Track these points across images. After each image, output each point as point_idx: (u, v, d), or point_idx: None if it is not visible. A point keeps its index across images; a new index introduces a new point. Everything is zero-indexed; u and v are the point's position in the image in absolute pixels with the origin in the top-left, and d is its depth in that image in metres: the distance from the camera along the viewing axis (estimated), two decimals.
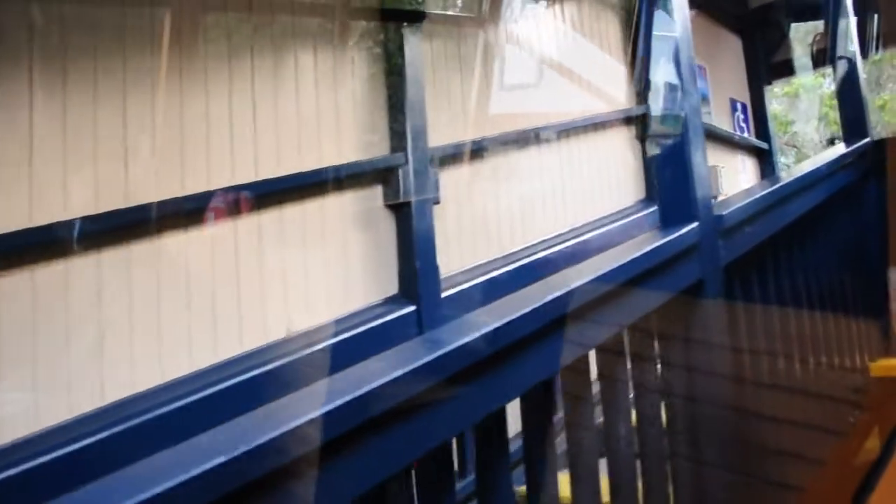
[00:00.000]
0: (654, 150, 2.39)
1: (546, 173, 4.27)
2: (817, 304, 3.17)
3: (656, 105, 2.36)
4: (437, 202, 3.49)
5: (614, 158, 4.89)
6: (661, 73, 2.41)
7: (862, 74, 4.44)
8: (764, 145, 6.73)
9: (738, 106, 6.55)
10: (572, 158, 4.62)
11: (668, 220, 2.29)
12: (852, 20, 4.53)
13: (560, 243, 4.18)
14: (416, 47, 3.51)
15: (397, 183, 3.36)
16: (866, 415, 3.34)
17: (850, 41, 4.37)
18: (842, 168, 3.83)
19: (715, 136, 6.01)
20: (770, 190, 2.90)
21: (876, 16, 6.28)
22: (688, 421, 2.12)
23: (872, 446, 3.23)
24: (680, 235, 2.11)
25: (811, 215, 3.17)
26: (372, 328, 3.14)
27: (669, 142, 2.32)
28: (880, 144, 4.47)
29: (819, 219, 3.31)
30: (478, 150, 3.87)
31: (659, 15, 2.44)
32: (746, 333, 2.48)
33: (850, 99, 4.30)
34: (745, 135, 6.60)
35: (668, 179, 2.31)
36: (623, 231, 4.53)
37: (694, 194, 2.28)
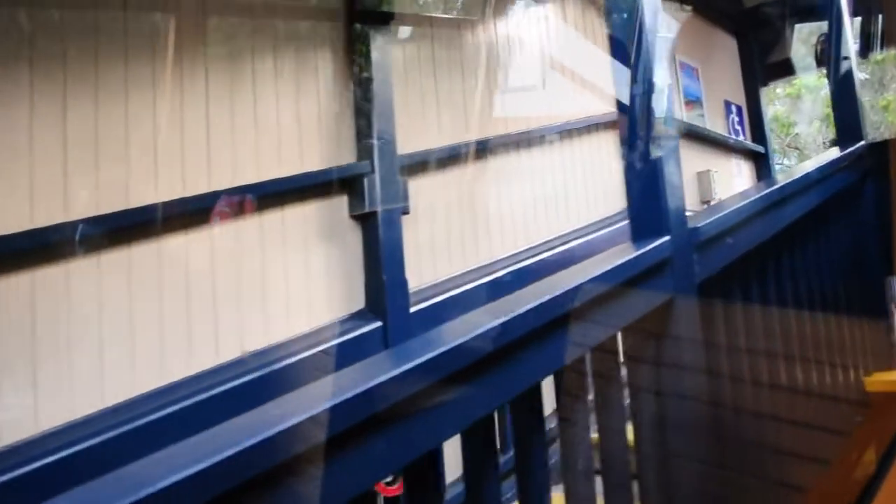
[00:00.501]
0: (624, 157, 2.21)
1: (524, 181, 4.10)
2: (809, 320, 3.01)
3: (622, 107, 2.18)
4: (406, 212, 3.32)
5: (596, 165, 4.71)
6: (631, 72, 2.24)
7: (858, 76, 4.26)
8: (760, 148, 6.54)
9: (733, 108, 6.37)
10: (552, 165, 4.45)
11: (637, 234, 2.13)
12: (847, 21, 4.37)
13: (537, 255, 3.99)
14: (384, 50, 3.34)
15: (363, 192, 3.19)
16: (862, 431, 3.19)
17: (844, 42, 4.21)
18: (835, 172, 3.67)
19: (708, 140, 5.84)
20: (754, 197, 2.73)
21: (880, 16, 6.14)
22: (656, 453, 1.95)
23: (869, 461, 3.08)
24: (648, 251, 1.94)
25: (802, 223, 3.02)
26: (335, 345, 2.97)
27: (639, 148, 2.15)
28: (877, 147, 4.31)
29: (811, 226, 3.15)
30: (451, 158, 3.69)
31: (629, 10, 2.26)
32: (726, 355, 2.32)
33: (844, 101, 4.13)
34: (741, 138, 6.41)
35: (638, 189, 2.14)
36: (604, 242, 4.35)
37: (665, 205, 2.11)
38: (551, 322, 1.57)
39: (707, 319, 2.23)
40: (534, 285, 1.77)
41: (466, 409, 1.40)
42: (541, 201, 4.19)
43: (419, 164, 3.51)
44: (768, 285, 2.66)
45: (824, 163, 3.67)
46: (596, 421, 1.82)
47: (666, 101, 2.24)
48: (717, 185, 5.47)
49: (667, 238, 2.03)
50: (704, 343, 2.17)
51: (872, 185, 3.96)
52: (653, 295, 1.99)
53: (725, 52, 6.54)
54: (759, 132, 6.61)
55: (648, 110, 2.17)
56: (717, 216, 2.38)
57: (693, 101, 5.72)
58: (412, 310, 3.20)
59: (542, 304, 1.59)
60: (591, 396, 1.78)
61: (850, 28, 4.24)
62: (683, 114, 5.56)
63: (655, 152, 2.12)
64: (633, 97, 2.16)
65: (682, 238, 2.12)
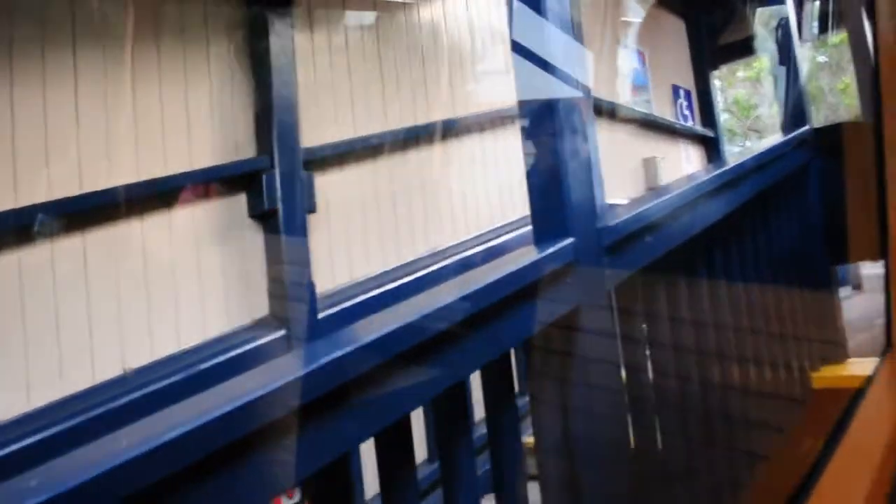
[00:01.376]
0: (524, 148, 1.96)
1: (443, 176, 3.84)
2: (750, 318, 2.81)
3: (521, 91, 1.92)
4: (313, 210, 3.05)
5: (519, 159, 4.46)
6: (531, 51, 1.98)
7: (817, 58, 4.06)
8: (709, 133, 6.36)
9: (682, 93, 6.17)
10: (481, 156, 4.20)
11: (538, 237, 1.88)
12: (791, 4, 4.16)
13: (452, 255, 3.72)
14: (285, 35, 3.05)
15: (262, 189, 2.90)
16: (805, 427, 3.03)
17: (789, 26, 4.01)
18: (776, 159, 3.48)
19: (655, 126, 5.64)
20: (680, 191, 2.50)
21: None
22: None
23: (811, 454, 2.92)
24: (539, 259, 1.70)
25: (740, 213, 2.81)
26: (234, 357, 2.70)
27: (537, 137, 1.90)
28: (826, 132, 4.13)
29: (751, 216, 2.96)
30: (363, 150, 3.41)
31: None
32: (651, 368, 2.11)
33: (788, 85, 3.93)
34: (690, 123, 6.22)
35: (537, 184, 1.89)
36: (521, 242, 4.10)
37: (567, 201, 1.86)
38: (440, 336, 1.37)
39: (626, 327, 2.01)
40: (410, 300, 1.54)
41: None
42: (468, 196, 3.94)
43: (328, 158, 3.22)
44: (701, 283, 2.45)
45: (764, 149, 3.48)
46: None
47: (579, 83, 1.99)
48: (663, 171, 5.28)
49: (569, 241, 1.79)
50: (619, 354, 1.95)
51: (819, 172, 3.78)
52: (552, 306, 1.75)
53: (674, 35, 6.33)
54: (709, 116, 6.44)
55: (550, 95, 1.91)
56: (635, 211, 2.16)
57: (640, 87, 5.52)
58: (320, 315, 2.93)
59: (409, 324, 1.36)
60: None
61: (795, 11, 4.04)
62: (629, 99, 5.35)
63: (556, 142, 1.87)
64: (531, 80, 1.91)
65: (590, 239, 1.89)
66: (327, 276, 3.07)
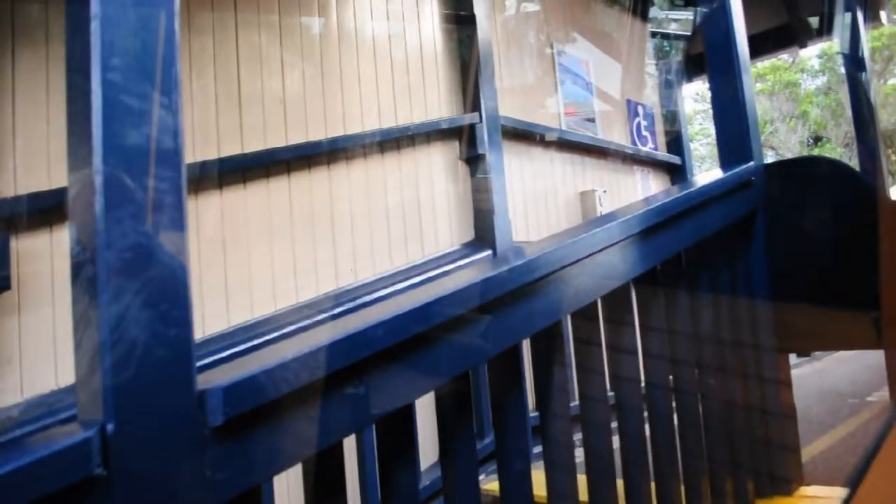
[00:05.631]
0: None
1: (334, 205, 2.99)
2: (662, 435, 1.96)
3: None
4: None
5: (427, 185, 3.58)
6: None
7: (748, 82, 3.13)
8: (675, 159, 5.38)
9: (640, 110, 5.19)
10: (368, 184, 3.33)
11: None
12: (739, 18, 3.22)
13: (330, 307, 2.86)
14: None
15: None
16: None
17: (734, 40, 3.07)
18: (710, 203, 2.59)
19: (598, 151, 4.71)
20: (547, 250, 1.63)
21: None
22: None
23: None
24: None
25: (648, 280, 1.99)
26: None
27: None
28: (780, 169, 3.21)
29: (661, 288, 2.13)
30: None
31: None
32: None
33: (728, 110, 3.00)
34: (650, 147, 5.25)
35: None
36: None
37: None
38: None
39: None
40: None
41: None
42: (357, 232, 3.08)
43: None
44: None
45: (691, 190, 2.60)
46: None
47: None
48: (604, 207, 4.35)
49: None
50: None
51: (767, 223, 2.87)
52: None
53: (632, 40, 5.35)
54: (676, 139, 5.46)
55: None
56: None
57: (580, 104, 4.58)
58: None
59: None
60: None
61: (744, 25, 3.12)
62: (562, 119, 4.42)
63: None
64: None
65: None
66: None
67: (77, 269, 1.01)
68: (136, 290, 0.99)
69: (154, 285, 1.02)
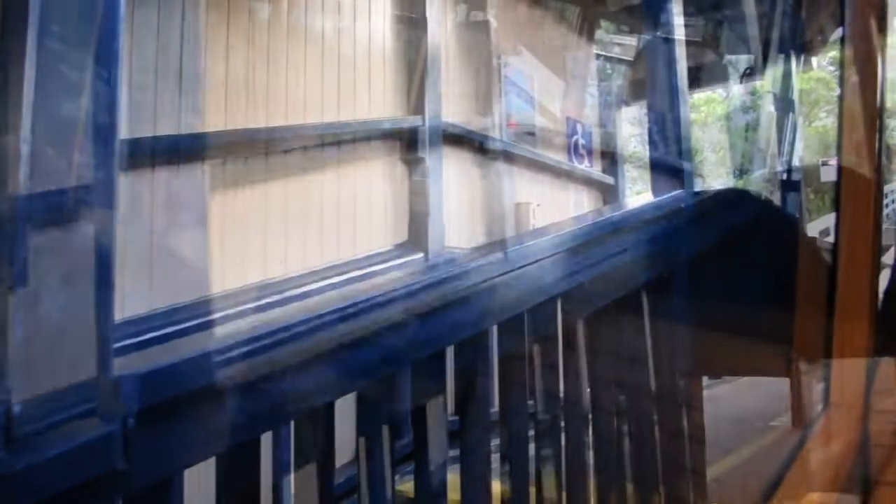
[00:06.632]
0: None
1: (270, 195, 2.97)
2: None
3: None
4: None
5: (365, 183, 3.58)
6: None
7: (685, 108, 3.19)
8: (608, 179, 5.53)
9: (578, 128, 5.31)
10: (305, 177, 3.30)
11: None
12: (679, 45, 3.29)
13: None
14: None
15: None
16: None
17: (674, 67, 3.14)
18: (640, 226, 2.64)
19: (537, 165, 4.79)
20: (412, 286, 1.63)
21: None
22: None
23: None
24: None
25: (575, 297, 2.00)
26: None
27: None
28: (709, 199, 3.32)
29: (591, 303, 2.15)
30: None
31: None
32: None
33: (664, 136, 3.07)
34: (585, 164, 5.37)
35: None
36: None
37: None
38: None
39: None
40: None
41: None
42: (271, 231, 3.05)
43: None
44: None
45: (619, 213, 2.63)
46: None
47: None
48: (537, 221, 4.43)
49: None
50: None
51: (692, 251, 2.87)
52: None
53: (577, 60, 5.48)
54: (611, 160, 5.61)
55: None
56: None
57: (522, 116, 4.66)
58: None
59: None
60: None
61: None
62: (503, 130, 4.49)
63: None
64: None
65: None
66: None
67: None
68: (52, 267, 0.96)
69: (73, 262, 0.99)
